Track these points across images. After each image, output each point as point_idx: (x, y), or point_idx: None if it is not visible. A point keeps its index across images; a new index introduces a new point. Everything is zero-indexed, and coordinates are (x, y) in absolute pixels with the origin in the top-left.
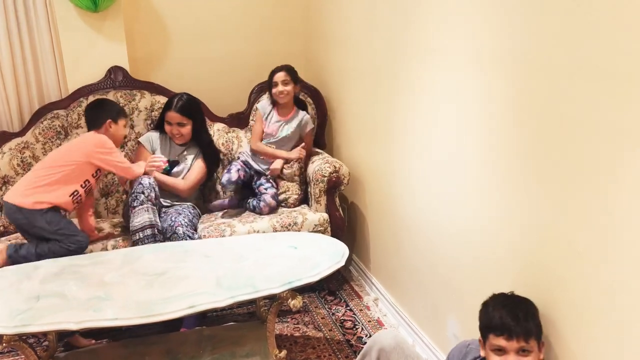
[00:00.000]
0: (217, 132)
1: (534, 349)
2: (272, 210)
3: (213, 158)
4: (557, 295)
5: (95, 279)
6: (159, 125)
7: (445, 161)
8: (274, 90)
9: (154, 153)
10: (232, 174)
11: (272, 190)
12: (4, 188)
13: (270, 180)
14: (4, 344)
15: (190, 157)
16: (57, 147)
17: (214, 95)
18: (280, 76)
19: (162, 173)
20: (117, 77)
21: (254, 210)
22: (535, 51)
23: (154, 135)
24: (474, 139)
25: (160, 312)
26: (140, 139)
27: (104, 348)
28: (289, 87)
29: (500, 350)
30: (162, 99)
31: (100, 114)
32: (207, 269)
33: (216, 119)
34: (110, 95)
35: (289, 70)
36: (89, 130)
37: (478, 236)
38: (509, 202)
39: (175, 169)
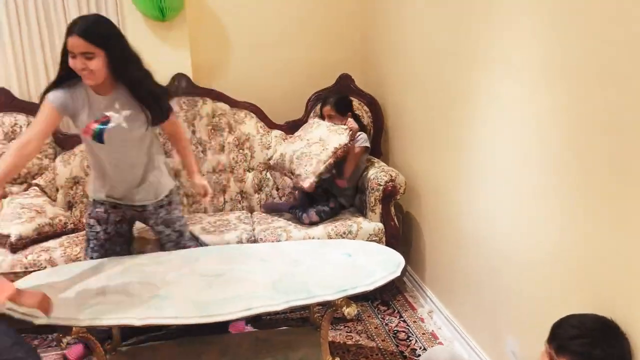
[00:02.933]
0: (275, 139)
1: None
2: (313, 224)
3: (156, 102)
4: (625, 316)
5: (157, 278)
6: (65, 74)
7: (508, 174)
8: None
9: (75, 120)
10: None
11: (321, 208)
12: (74, 188)
13: (330, 199)
14: (73, 336)
15: (126, 112)
16: None
17: (272, 102)
18: (326, 110)
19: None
20: (181, 84)
21: (298, 219)
22: (607, 62)
23: (63, 96)
24: (540, 152)
25: (219, 312)
26: (51, 99)
27: (162, 345)
28: (336, 122)
29: None
30: (223, 106)
31: None
32: (263, 272)
33: (273, 125)
34: (174, 102)
35: (336, 104)
36: None
37: (542, 253)
38: (576, 219)
39: (110, 127)
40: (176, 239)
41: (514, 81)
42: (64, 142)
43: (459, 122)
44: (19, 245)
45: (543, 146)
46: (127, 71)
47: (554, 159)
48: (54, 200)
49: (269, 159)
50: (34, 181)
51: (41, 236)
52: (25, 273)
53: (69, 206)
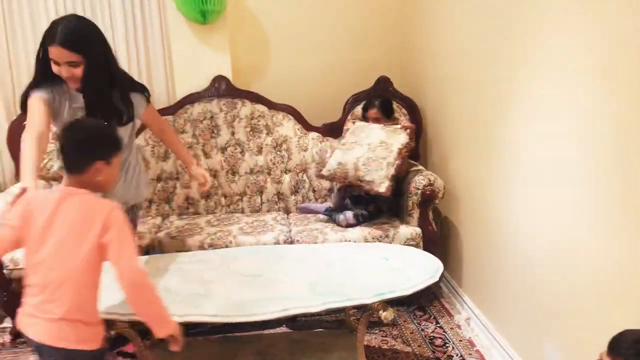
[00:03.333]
0: (312, 141)
1: None
2: (350, 226)
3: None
4: None
5: (196, 276)
6: (44, 71)
7: (552, 180)
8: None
9: (55, 118)
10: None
11: (359, 211)
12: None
13: (369, 202)
14: (117, 330)
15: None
16: (165, 150)
17: (310, 104)
18: (372, 113)
19: None
20: (220, 86)
21: (334, 221)
22: None
23: (47, 94)
24: (585, 159)
25: (256, 312)
26: (38, 95)
27: (199, 343)
28: (381, 124)
29: None
30: (262, 108)
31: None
32: (300, 274)
33: (310, 127)
34: (214, 104)
35: (382, 107)
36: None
37: (586, 261)
38: (621, 227)
39: None
40: None
41: (560, 85)
42: None
43: (500, 126)
44: None
45: (588, 153)
46: (101, 77)
47: (599, 166)
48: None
49: (320, 170)
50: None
51: None
52: None
53: None
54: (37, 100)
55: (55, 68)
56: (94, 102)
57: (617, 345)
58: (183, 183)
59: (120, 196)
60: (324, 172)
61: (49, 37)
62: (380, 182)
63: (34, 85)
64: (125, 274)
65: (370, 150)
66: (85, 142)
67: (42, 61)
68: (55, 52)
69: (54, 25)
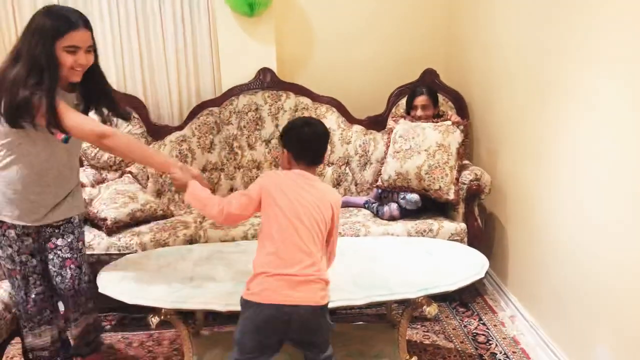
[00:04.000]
0: (355, 134)
1: None
2: (393, 219)
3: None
4: None
5: (241, 265)
6: (54, 72)
7: (605, 179)
8: (412, 113)
9: None
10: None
11: (406, 202)
12: (163, 176)
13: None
14: (162, 317)
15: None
16: (211, 141)
17: (353, 97)
18: (421, 100)
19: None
20: (265, 78)
21: (376, 213)
22: None
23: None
24: (636, 159)
25: None
26: (64, 101)
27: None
28: (429, 112)
29: None
30: (306, 100)
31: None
32: (342, 267)
33: (354, 120)
34: (259, 95)
35: (431, 93)
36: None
37: (634, 267)
38: None
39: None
40: (60, 263)
41: (617, 79)
42: (155, 132)
43: (550, 122)
44: (114, 228)
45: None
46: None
47: None
48: (145, 188)
49: (375, 180)
50: (127, 169)
51: (133, 221)
52: (119, 255)
53: (158, 194)
54: (64, 103)
55: (69, 60)
56: (99, 90)
57: None
58: (228, 174)
59: (61, 212)
60: (381, 182)
61: (66, 25)
62: (448, 189)
63: (52, 90)
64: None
65: (430, 157)
66: (325, 136)
67: (51, 59)
68: (79, 37)
69: (59, 14)
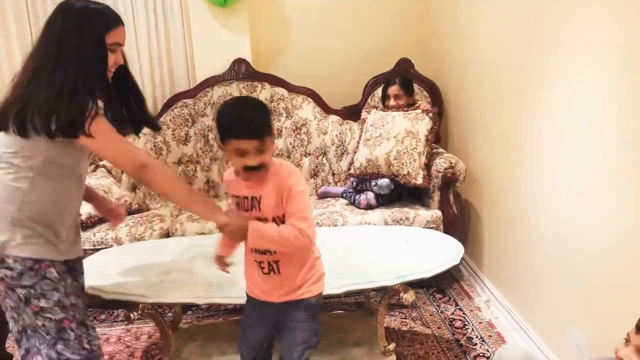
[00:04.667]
0: (331, 124)
1: None
2: (370, 208)
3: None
4: None
5: None
6: (105, 76)
7: (579, 163)
8: (386, 102)
9: None
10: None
11: (379, 187)
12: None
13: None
14: (140, 312)
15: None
16: (186, 133)
17: (329, 87)
18: (394, 89)
19: None
20: (240, 69)
21: (353, 202)
22: None
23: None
24: (616, 142)
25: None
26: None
27: (221, 324)
28: (402, 102)
29: None
30: (281, 90)
31: None
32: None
33: (330, 110)
34: (234, 87)
35: (404, 83)
36: None
37: (611, 245)
38: None
39: None
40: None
41: (587, 68)
42: None
43: (523, 110)
44: (89, 223)
45: (613, 137)
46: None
47: (624, 150)
48: (119, 182)
49: (348, 169)
50: (100, 163)
51: None
52: (94, 250)
53: (133, 188)
54: (104, 120)
55: (111, 60)
56: (129, 86)
57: None
58: (203, 166)
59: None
60: (353, 170)
61: (110, 21)
62: (416, 174)
63: (92, 102)
64: None
65: (399, 142)
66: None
67: (104, 60)
68: (123, 33)
69: (98, 8)
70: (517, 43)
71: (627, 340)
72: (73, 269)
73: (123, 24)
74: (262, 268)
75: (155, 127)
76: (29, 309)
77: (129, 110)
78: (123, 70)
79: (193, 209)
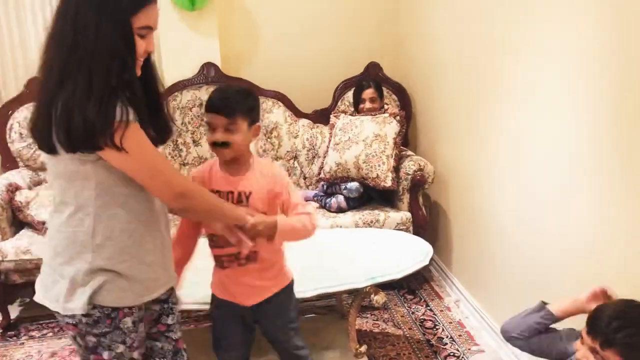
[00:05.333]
0: (302, 127)
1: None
2: (341, 211)
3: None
4: None
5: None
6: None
7: (541, 163)
8: (361, 106)
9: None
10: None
11: (348, 191)
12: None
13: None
14: None
15: None
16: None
17: (299, 91)
18: (368, 93)
19: None
20: (209, 73)
21: (324, 206)
22: None
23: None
24: (574, 141)
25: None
26: (132, 118)
27: (192, 331)
28: (377, 105)
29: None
30: None
31: None
32: (292, 259)
33: (301, 114)
34: (203, 91)
35: (377, 86)
36: None
37: (575, 243)
38: (611, 208)
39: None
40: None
41: (550, 71)
42: None
43: (489, 112)
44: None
45: (577, 137)
46: None
47: (586, 151)
48: None
49: (318, 173)
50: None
51: None
52: None
53: None
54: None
55: (142, 46)
56: (153, 90)
57: (595, 325)
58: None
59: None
60: (323, 174)
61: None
62: (385, 177)
63: (121, 103)
64: None
65: (367, 146)
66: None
67: (132, 46)
68: (155, 14)
69: None
70: (482, 46)
71: (582, 339)
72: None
73: (156, 1)
74: (240, 260)
75: (170, 133)
76: (93, 357)
77: (152, 111)
78: (145, 61)
79: (231, 219)
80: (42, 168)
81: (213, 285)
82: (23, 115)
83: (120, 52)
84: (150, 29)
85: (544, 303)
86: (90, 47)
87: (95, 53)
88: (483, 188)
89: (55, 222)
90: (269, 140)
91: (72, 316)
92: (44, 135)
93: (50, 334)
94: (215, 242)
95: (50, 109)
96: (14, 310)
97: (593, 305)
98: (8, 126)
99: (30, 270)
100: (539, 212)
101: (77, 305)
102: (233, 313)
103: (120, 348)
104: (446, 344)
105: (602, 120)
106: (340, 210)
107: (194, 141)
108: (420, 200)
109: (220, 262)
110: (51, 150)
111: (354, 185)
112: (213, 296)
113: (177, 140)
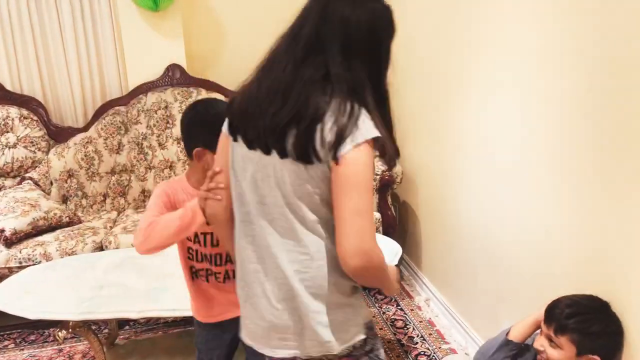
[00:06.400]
0: None
1: (563, 347)
2: None
3: None
4: (623, 305)
5: (154, 270)
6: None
7: (505, 162)
8: None
9: None
10: None
11: None
12: (69, 181)
13: None
14: (70, 330)
15: None
16: (119, 142)
17: None
18: None
19: None
20: (174, 75)
21: None
22: (608, 47)
23: None
24: (536, 139)
25: None
26: None
27: (160, 338)
28: None
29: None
30: (218, 96)
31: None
32: None
33: None
34: (168, 93)
35: None
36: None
37: (539, 239)
38: (574, 204)
39: None
40: None
41: (516, 68)
42: (57, 134)
43: (456, 111)
44: (14, 239)
45: (541, 136)
46: None
47: (551, 148)
48: (48, 194)
49: None
50: (27, 174)
51: (35, 230)
52: (20, 268)
53: (64, 199)
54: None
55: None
56: None
57: (551, 312)
58: (138, 175)
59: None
60: None
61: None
62: None
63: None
64: None
65: None
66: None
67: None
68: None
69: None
70: (444, 45)
71: (542, 330)
72: None
73: None
74: (217, 278)
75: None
76: None
77: None
78: None
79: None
80: (2, 174)
81: (195, 311)
82: None
83: (382, 72)
84: None
85: (507, 333)
86: (374, 63)
87: (376, 70)
88: (451, 187)
89: None
90: None
91: None
92: (302, 141)
93: (12, 345)
94: (193, 255)
95: (323, 114)
96: None
97: None
98: None
99: None
100: (506, 210)
101: None
102: (221, 340)
103: None
104: (417, 343)
105: (569, 119)
106: None
107: (159, 144)
108: (389, 200)
109: (199, 277)
110: (306, 158)
111: None
112: (196, 323)
113: (142, 144)
